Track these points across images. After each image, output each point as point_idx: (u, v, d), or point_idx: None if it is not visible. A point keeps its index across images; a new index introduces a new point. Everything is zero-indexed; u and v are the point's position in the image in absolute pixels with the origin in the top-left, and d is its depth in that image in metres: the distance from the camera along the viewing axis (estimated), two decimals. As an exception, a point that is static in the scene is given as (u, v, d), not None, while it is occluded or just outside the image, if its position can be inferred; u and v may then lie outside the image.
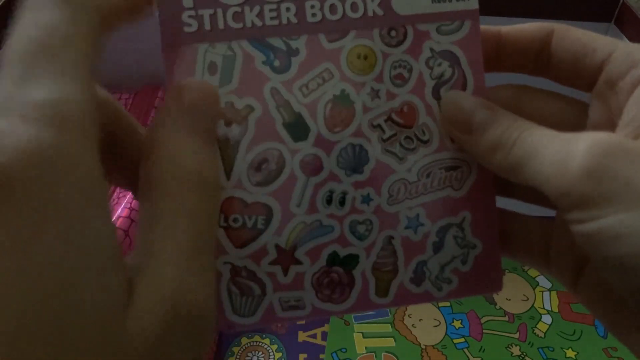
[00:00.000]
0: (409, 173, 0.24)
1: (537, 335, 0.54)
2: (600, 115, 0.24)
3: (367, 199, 0.24)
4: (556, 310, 0.55)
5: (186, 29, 0.23)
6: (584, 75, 0.23)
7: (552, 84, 0.25)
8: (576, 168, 0.18)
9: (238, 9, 0.23)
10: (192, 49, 0.23)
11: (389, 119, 0.24)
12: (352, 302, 0.25)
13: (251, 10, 0.23)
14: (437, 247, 0.25)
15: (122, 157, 0.21)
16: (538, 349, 0.53)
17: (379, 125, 0.24)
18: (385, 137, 0.24)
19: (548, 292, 0.57)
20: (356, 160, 0.24)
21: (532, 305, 0.56)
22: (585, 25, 0.53)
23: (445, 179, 0.25)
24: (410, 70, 0.24)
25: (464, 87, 0.24)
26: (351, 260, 0.24)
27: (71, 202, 0.14)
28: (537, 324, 0.55)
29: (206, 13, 0.23)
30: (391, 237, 0.25)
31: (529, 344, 0.53)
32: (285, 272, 0.24)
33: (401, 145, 0.24)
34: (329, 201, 0.24)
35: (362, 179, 0.24)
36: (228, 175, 0.24)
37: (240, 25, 0.23)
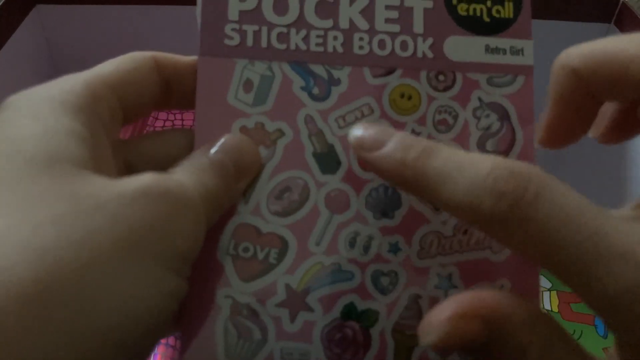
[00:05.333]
0: (445, 226, 0.22)
1: (537, 335, 0.51)
2: None
3: (395, 248, 0.22)
4: (556, 310, 0.54)
5: (227, 42, 0.22)
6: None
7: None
8: None
9: (284, 29, 0.22)
10: (230, 63, 0.22)
11: None
12: None
13: (297, 33, 0.22)
14: None
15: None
16: (538, 348, 0.50)
17: None
18: None
19: (548, 292, 0.55)
20: (387, 203, 0.22)
21: (532, 305, 0.53)
22: (585, 26, 0.51)
23: (484, 239, 0.22)
24: (455, 118, 0.23)
25: (511, 144, 0.23)
26: (370, 316, 0.21)
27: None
28: (537, 323, 0.53)
29: (250, 29, 0.22)
30: (418, 296, 0.21)
31: (529, 343, 0.51)
32: (293, 318, 0.21)
33: None
34: (352, 244, 0.22)
35: (392, 224, 0.22)
36: (246, 199, 0.21)
37: (283, 46, 0.22)
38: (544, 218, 0.15)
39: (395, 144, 0.19)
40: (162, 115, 0.56)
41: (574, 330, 0.52)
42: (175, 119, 0.56)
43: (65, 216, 0.15)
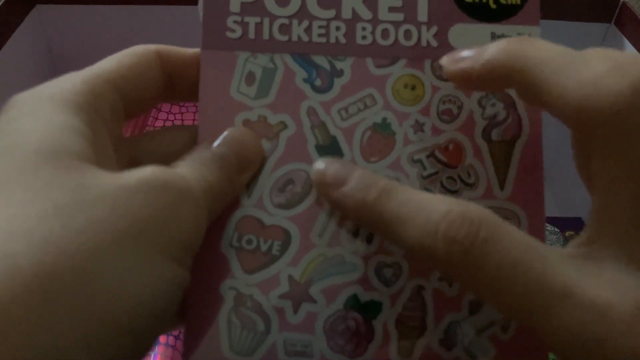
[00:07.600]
0: None
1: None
2: None
3: None
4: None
5: (229, 34, 0.22)
6: None
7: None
8: None
9: (286, 21, 0.22)
10: (232, 55, 0.22)
11: (432, 155, 0.22)
12: (368, 358, 0.21)
13: (299, 24, 0.22)
14: (475, 307, 0.21)
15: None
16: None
17: (420, 161, 0.22)
18: (425, 174, 0.22)
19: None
20: None
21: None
22: (585, 26, 0.52)
23: None
24: (460, 107, 0.22)
25: (518, 132, 0.22)
26: (373, 308, 0.21)
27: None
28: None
29: (252, 21, 0.22)
30: (421, 287, 0.21)
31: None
32: (296, 309, 0.21)
33: (442, 185, 0.22)
34: (354, 236, 0.22)
35: None
36: (249, 192, 0.22)
37: (285, 38, 0.22)
38: (493, 262, 0.16)
39: (356, 183, 0.20)
40: (162, 115, 0.56)
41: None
42: (175, 119, 0.56)
43: (69, 206, 0.15)
